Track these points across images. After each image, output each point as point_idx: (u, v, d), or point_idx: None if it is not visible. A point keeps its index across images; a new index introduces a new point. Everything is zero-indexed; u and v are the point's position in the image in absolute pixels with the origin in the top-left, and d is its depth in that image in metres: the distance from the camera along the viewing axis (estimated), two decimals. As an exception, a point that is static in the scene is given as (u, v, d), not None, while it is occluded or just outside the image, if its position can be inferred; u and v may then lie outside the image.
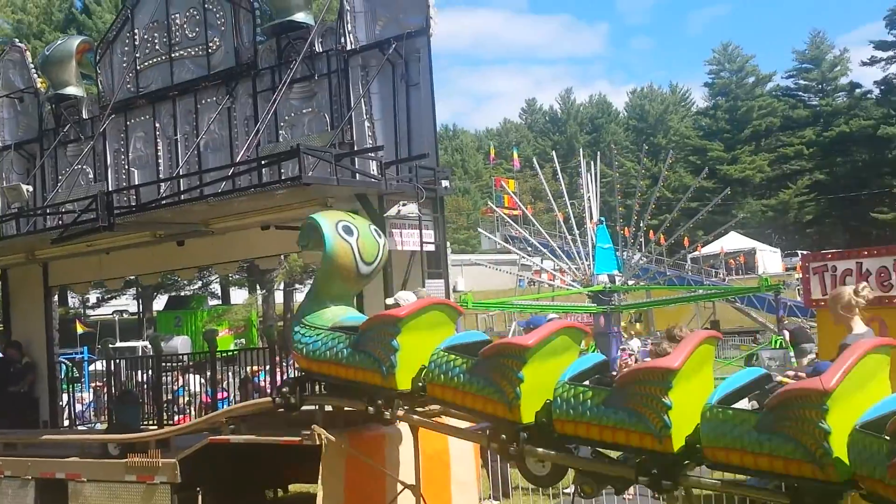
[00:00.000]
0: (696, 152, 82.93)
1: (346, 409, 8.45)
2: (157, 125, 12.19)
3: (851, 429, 5.05)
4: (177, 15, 11.82)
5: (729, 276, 52.36)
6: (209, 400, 11.89)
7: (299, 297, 39.39)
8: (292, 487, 11.33)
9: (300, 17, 10.80)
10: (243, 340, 36.18)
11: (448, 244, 10.52)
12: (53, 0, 51.40)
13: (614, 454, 6.40)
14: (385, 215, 9.44)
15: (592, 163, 41.72)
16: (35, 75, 13.76)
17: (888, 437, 4.80)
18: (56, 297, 13.84)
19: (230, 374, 11.91)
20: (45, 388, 13.15)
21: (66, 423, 13.74)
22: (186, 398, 12.76)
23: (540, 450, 6.68)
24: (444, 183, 10.21)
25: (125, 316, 52.18)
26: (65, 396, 14.10)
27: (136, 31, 12.24)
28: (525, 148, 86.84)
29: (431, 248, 9.85)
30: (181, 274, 18.54)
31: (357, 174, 9.63)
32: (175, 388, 12.80)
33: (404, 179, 9.66)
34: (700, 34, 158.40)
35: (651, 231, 42.68)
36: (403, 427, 8.24)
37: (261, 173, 10.55)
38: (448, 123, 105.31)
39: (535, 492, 10.81)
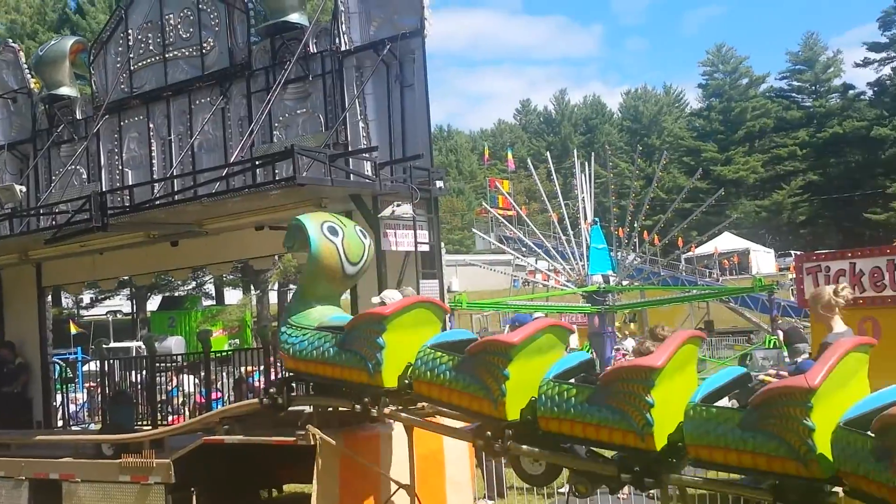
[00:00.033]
0: (690, 153, 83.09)
1: (340, 409, 8.45)
2: (151, 125, 12.18)
3: (835, 426, 5.10)
4: (171, 15, 11.81)
5: (723, 276, 52.44)
6: (203, 400, 11.87)
7: (293, 297, 39.23)
8: (287, 487, 11.33)
9: (294, 17, 10.80)
10: (237, 341, 36.16)
11: (442, 245, 10.53)
12: (47, 0, 51.29)
13: (609, 453, 6.42)
14: (379, 216, 9.45)
15: (587, 163, 41.73)
16: (28, 75, 13.73)
17: (873, 435, 4.85)
18: (49, 298, 13.80)
19: (224, 374, 11.88)
20: (39, 388, 13.13)
21: (60, 423, 13.73)
22: (181, 399, 12.74)
23: (525, 447, 6.74)
24: (439, 183, 10.22)
25: (119, 316, 52.08)
26: (58, 397, 14.07)
27: (129, 31, 12.22)
28: (519, 148, 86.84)
29: (426, 248, 9.86)
30: (175, 274, 18.44)
31: (351, 175, 9.64)
32: (169, 388, 12.78)
33: (399, 180, 9.67)
34: (694, 35, 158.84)
35: (645, 231, 42.77)
36: (398, 427, 8.25)
37: (255, 174, 10.55)
38: (442, 124, 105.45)
39: (530, 491, 10.82)
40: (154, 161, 12.13)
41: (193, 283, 48.61)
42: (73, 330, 34.75)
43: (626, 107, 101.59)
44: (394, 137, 10.12)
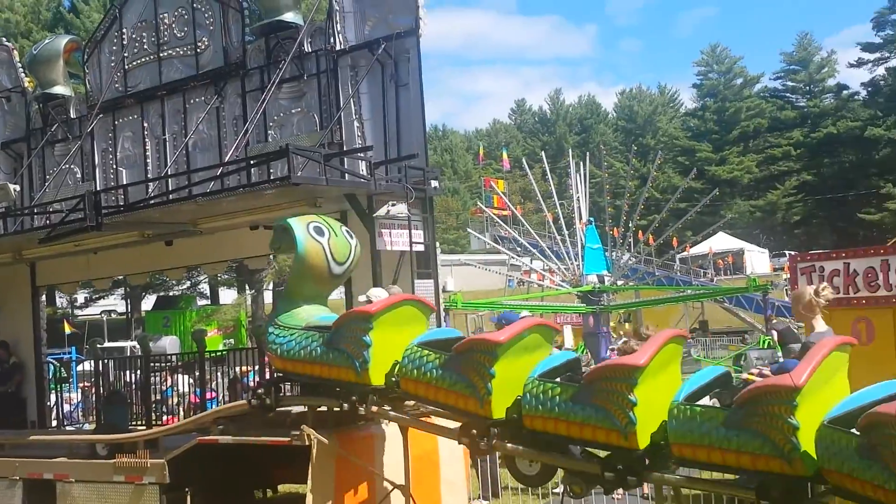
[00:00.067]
0: (685, 153, 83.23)
1: (334, 409, 8.45)
2: (146, 125, 12.15)
3: (820, 424, 5.15)
4: (165, 14, 11.79)
5: (717, 276, 52.55)
6: (198, 400, 11.85)
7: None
8: (281, 488, 11.31)
9: (289, 16, 10.79)
10: (232, 341, 36.06)
11: (437, 244, 10.53)
12: (41, -1, 51.19)
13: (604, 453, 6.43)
14: (374, 215, 9.45)
15: (581, 163, 41.79)
16: (22, 74, 13.69)
17: (858, 433, 4.89)
18: (44, 297, 13.78)
19: (219, 374, 11.86)
20: (33, 388, 13.10)
21: (54, 423, 13.67)
22: (176, 399, 12.71)
23: (509, 445, 6.78)
24: (434, 183, 10.22)
25: (113, 316, 51.96)
26: (53, 397, 14.02)
27: (124, 30, 12.20)
28: (514, 148, 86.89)
29: (421, 248, 9.86)
30: (169, 274, 18.46)
31: (346, 174, 9.63)
32: (164, 388, 12.74)
33: (393, 180, 9.66)
34: (688, 36, 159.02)
35: (640, 231, 42.81)
36: (393, 427, 8.25)
37: (249, 173, 10.54)
38: (437, 124, 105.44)
39: (525, 492, 10.83)
40: (148, 160, 12.12)
41: (188, 283, 48.49)
42: (68, 329, 34.63)
43: (620, 107, 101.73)
44: (389, 137, 10.12)
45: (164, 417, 11.90)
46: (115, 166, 12.46)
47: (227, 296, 50.98)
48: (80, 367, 24.08)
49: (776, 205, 77.57)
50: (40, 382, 13.18)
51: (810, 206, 77.20)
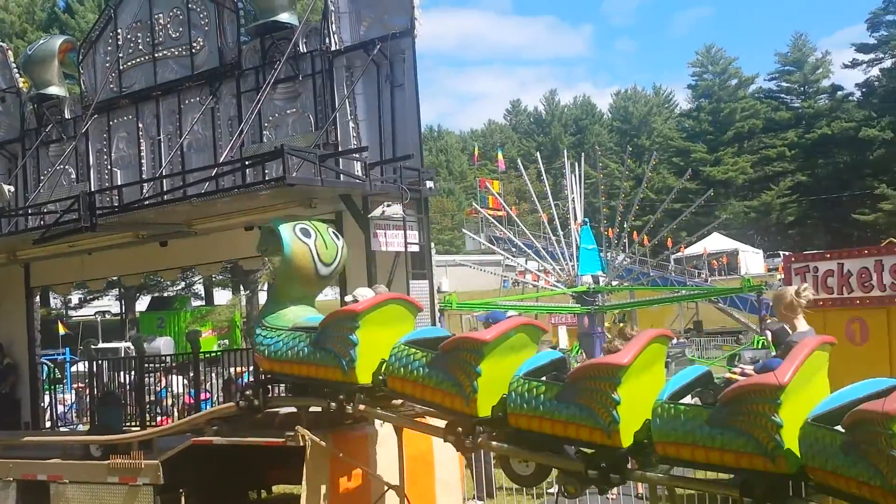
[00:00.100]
0: (680, 154, 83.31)
1: (322, 409, 8.46)
2: (140, 125, 12.14)
3: (803, 422, 5.20)
4: (160, 15, 11.78)
5: (712, 276, 52.57)
6: (192, 401, 11.84)
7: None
8: (276, 488, 11.30)
9: (284, 17, 10.79)
10: (227, 341, 36.05)
11: (432, 245, 10.54)
12: (36, -1, 51.08)
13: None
14: (369, 216, 9.45)
15: (577, 164, 41.82)
16: (17, 75, 13.67)
17: (843, 430, 4.94)
18: (38, 298, 13.74)
19: (213, 375, 11.85)
20: (27, 389, 13.07)
21: (48, 424, 13.66)
22: (170, 400, 12.70)
23: (494, 443, 6.84)
24: (429, 184, 10.23)
25: (108, 317, 51.84)
26: (47, 398, 14.00)
27: (119, 30, 12.18)
28: (509, 149, 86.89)
29: (416, 248, 9.86)
30: (164, 275, 18.36)
31: (341, 175, 9.63)
32: (158, 389, 12.74)
33: (389, 180, 9.67)
34: (683, 36, 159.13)
35: (635, 232, 42.86)
36: (387, 428, 8.25)
37: (244, 174, 10.52)
38: (433, 124, 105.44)
39: (519, 492, 10.84)
40: (143, 161, 12.10)
41: (183, 284, 48.40)
42: (62, 330, 34.55)
43: (615, 107, 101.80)
44: (384, 137, 10.12)
45: (158, 418, 11.89)
46: (109, 167, 12.45)
47: (222, 297, 50.93)
48: (74, 368, 24.01)
49: (771, 205, 77.69)
50: (34, 383, 13.16)
51: (805, 207, 77.33)
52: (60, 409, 15.64)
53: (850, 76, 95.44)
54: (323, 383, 7.76)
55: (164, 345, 28.32)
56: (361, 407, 7.65)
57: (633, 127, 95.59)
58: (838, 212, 73.96)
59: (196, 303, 48.52)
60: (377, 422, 8.47)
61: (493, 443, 6.86)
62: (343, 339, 7.53)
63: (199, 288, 50.49)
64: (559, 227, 37.45)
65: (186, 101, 11.71)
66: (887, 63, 76.21)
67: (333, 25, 10.49)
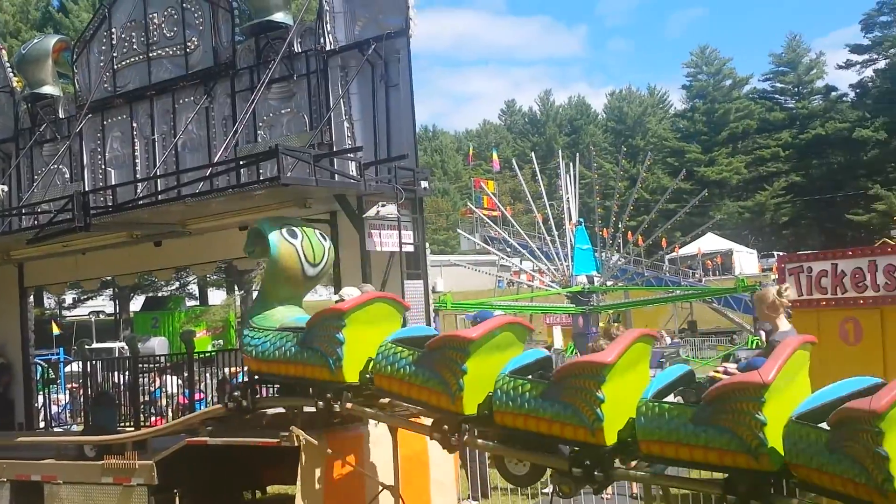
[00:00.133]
0: (674, 154, 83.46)
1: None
2: (135, 125, 12.11)
3: (787, 420, 5.25)
4: (154, 14, 11.75)
5: (706, 276, 52.71)
6: (186, 401, 11.81)
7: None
8: (270, 489, 11.29)
9: (279, 16, 10.78)
10: (221, 341, 35.97)
11: (427, 245, 10.54)
12: (30, -2, 50.93)
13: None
14: (364, 216, 9.44)
15: (571, 164, 41.90)
16: (11, 74, 13.63)
17: (829, 428, 4.99)
18: (32, 298, 13.71)
19: (208, 375, 11.83)
20: (21, 389, 13.04)
21: (42, 424, 13.62)
22: (165, 400, 12.68)
23: (480, 441, 6.90)
24: (424, 184, 10.22)
25: (102, 317, 51.72)
26: (40, 398, 13.96)
27: (113, 30, 12.16)
28: (504, 149, 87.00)
29: (410, 248, 9.86)
30: (158, 275, 18.40)
31: (336, 175, 9.62)
32: (152, 389, 12.71)
33: (383, 180, 9.66)
34: (678, 37, 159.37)
35: (629, 232, 42.96)
36: (382, 428, 8.25)
37: (239, 174, 10.51)
38: (427, 124, 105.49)
39: (514, 492, 10.84)
40: (137, 161, 12.07)
41: (177, 284, 48.34)
42: (56, 331, 34.49)
43: (610, 108, 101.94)
44: (379, 137, 10.11)
45: (152, 419, 11.86)
46: (103, 166, 12.42)
47: (216, 297, 50.83)
48: (68, 369, 23.97)
49: (765, 206, 77.87)
50: (28, 384, 13.12)
51: (799, 207, 77.51)
52: (54, 409, 15.61)
53: (844, 77, 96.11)
54: (310, 383, 7.79)
55: (158, 345, 28.22)
56: (349, 405, 7.68)
57: (628, 127, 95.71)
58: (832, 212, 74.15)
59: (190, 303, 48.43)
60: (372, 422, 8.47)
61: (479, 440, 6.92)
62: (330, 338, 7.57)
63: (194, 288, 50.41)
64: (554, 227, 37.53)
65: (181, 101, 11.69)
66: (881, 64, 76.49)
67: (328, 25, 10.48)
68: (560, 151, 47.43)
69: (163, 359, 14.38)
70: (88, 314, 50.16)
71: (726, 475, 5.69)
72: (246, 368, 8.94)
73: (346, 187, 9.46)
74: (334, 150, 10.15)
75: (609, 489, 9.53)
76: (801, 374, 5.87)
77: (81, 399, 13.94)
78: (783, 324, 6.69)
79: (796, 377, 5.76)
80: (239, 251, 11.31)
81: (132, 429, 10.83)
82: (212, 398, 11.69)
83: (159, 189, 10.74)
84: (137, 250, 11.33)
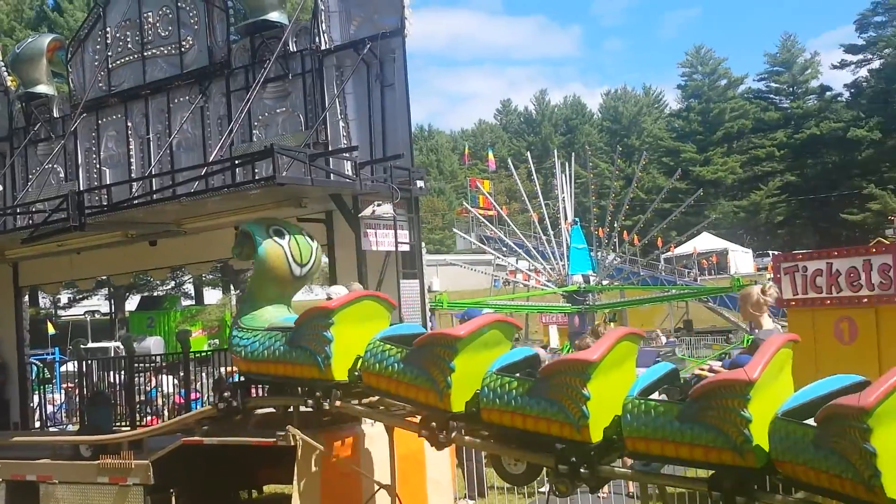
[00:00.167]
0: (669, 154, 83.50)
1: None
2: (129, 124, 12.09)
3: (773, 417, 5.30)
4: (149, 13, 11.73)
5: (701, 276, 52.74)
6: (182, 401, 11.79)
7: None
8: (267, 488, 11.28)
9: (274, 16, 10.76)
10: (217, 341, 35.92)
11: (423, 244, 10.53)
12: (24, -3, 50.84)
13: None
14: (360, 215, 9.44)
15: (567, 164, 41.92)
16: (5, 73, 13.59)
17: (816, 424, 5.04)
18: (27, 298, 13.68)
19: (204, 374, 11.81)
20: (16, 389, 13.01)
21: (38, 424, 13.59)
22: (161, 400, 12.66)
23: (467, 438, 6.95)
24: (419, 183, 10.22)
25: (97, 316, 51.61)
26: (36, 398, 13.93)
27: (108, 29, 12.13)
28: (500, 148, 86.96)
29: (406, 248, 9.86)
30: (154, 274, 18.35)
31: (331, 174, 9.62)
32: (148, 389, 12.69)
33: (379, 180, 9.66)
34: (673, 37, 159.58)
35: (625, 231, 42.96)
36: (378, 427, 8.25)
37: (234, 173, 10.48)
38: (423, 124, 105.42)
39: (511, 491, 10.84)
40: (132, 160, 12.05)
41: (172, 283, 48.31)
42: (51, 330, 34.41)
43: (605, 107, 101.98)
44: (374, 137, 10.11)
45: (147, 418, 11.85)
46: (98, 166, 12.39)
47: (212, 296, 50.80)
48: (63, 368, 23.92)
49: (760, 205, 77.96)
50: (23, 383, 13.10)
51: (794, 207, 77.62)
52: (50, 409, 15.57)
53: (839, 77, 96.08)
54: (300, 381, 7.84)
55: (153, 344, 28.24)
56: (338, 403, 7.70)
57: (623, 127, 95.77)
58: (827, 212, 74.29)
59: (186, 302, 48.41)
60: (368, 421, 8.48)
61: (467, 437, 6.97)
62: (318, 337, 7.61)
63: (189, 287, 50.39)
64: (549, 226, 37.53)
65: (176, 100, 11.67)
66: (876, 64, 76.62)
67: (323, 24, 10.47)
68: (556, 151, 47.39)
69: (158, 358, 14.37)
70: (84, 314, 50.02)
71: (712, 472, 5.74)
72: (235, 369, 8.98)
73: (341, 187, 9.46)
74: (330, 149, 10.14)
75: (605, 488, 9.54)
76: (784, 372, 5.94)
77: (77, 399, 13.92)
78: (767, 322, 6.77)
79: (780, 375, 5.83)
80: (234, 250, 11.36)
81: (128, 428, 10.81)
82: (208, 398, 11.67)
83: (154, 188, 10.72)
84: (133, 250, 11.31)
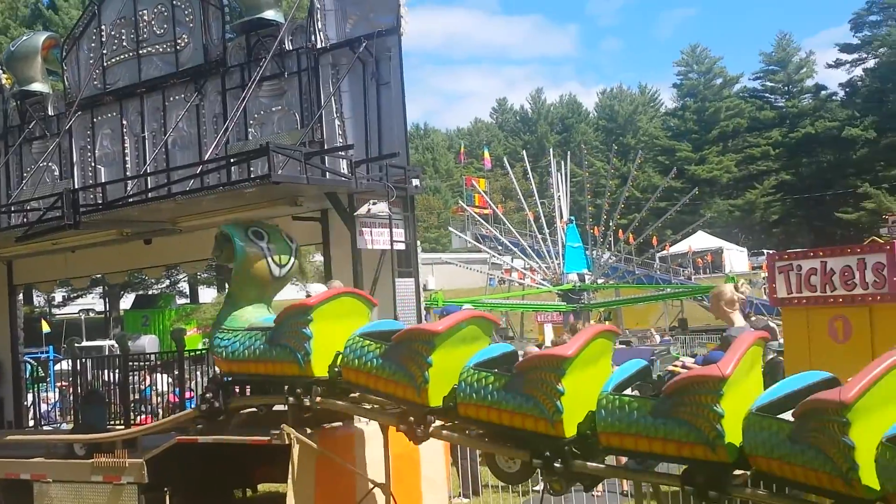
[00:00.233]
0: (665, 152, 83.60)
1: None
2: (125, 122, 12.06)
3: (747, 413, 5.35)
4: (144, 11, 11.70)
5: (696, 274, 52.85)
6: (177, 399, 11.78)
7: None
8: (261, 487, 11.28)
9: (270, 14, 10.75)
10: (212, 339, 35.86)
11: (418, 243, 10.54)
12: (19, -5, 50.68)
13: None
14: (355, 214, 9.44)
15: (563, 162, 41.96)
16: (0, 71, 13.55)
17: (793, 419, 5.10)
18: (21, 296, 13.65)
19: (198, 373, 11.80)
20: (10, 388, 12.99)
21: (32, 423, 13.56)
22: (155, 398, 12.64)
23: (444, 432, 7.04)
24: (415, 182, 10.21)
25: (91, 315, 51.54)
26: (30, 396, 13.91)
27: (103, 27, 12.10)
28: (496, 147, 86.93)
29: (402, 246, 9.86)
30: (148, 272, 18.40)
31: (327, 173, 9.61)
32: (142, 387, 12.67)
33: (375, 178, 9.65)
34: (669, 36, 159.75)
35: (620, 230, 43.06)
36: (373, 426, 8.25)
37: (230, 171, 10.48)
38: (419, 122, 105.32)
39: (505, 489, 10.85)
40: (127, 158, 12.02)
41: (167, 282, 48.25)
42: (45, 328, 34.33)
43: (601, 106, 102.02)
44: (370, 135, 10.09)
45: (140, 417, 11.83)
46: (93, 164, 12.36)
47: (207, 294, 50.71)
48: (57, 367, 23.86)
49: (755, 204, 78.09)
50: (17, 382, 13.07)
51: (788, 206, 77.77)
52: (44, 407, 15.53)
53: (834, 76, 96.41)
54: (281, 379, 7.89)
55: (148, 343, 28.11)
56: (318, 399, 7.74)
57: (619, 126, 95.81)
58: (822, 210, 74.44)
59: (181, 301, 48.32)
60: (363, 420, 8.47)
61: (444, 432, 7.04)
62: (297, 334, 7.66)
63: (184, 286, 50.34)
64: (545, 225, 37.59)
65: (171, 99, 11.64)
66: (870, 63, 76.81)
67: (319, 23, 10.46)
68: (551, 150, 47.44)
69: (153, 357, 14.35)
70: (78, 312, 50.00)
71: (685, 467, 5.79)
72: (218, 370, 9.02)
73: (337, 185, 9.45)
74: (325, 147, 10.13)
75: (599, 487, 9.56)
76: (755, 369, 6.01)
77: (71, 397, 13.90)
78: (738, 319, 6.84)
79: (750, 372, 5.89)
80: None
81: (122, 427, 10.79)
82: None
83: (149, 187, 10.70)
84: (127, 248, 11.29)
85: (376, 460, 8.20)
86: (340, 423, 8.67)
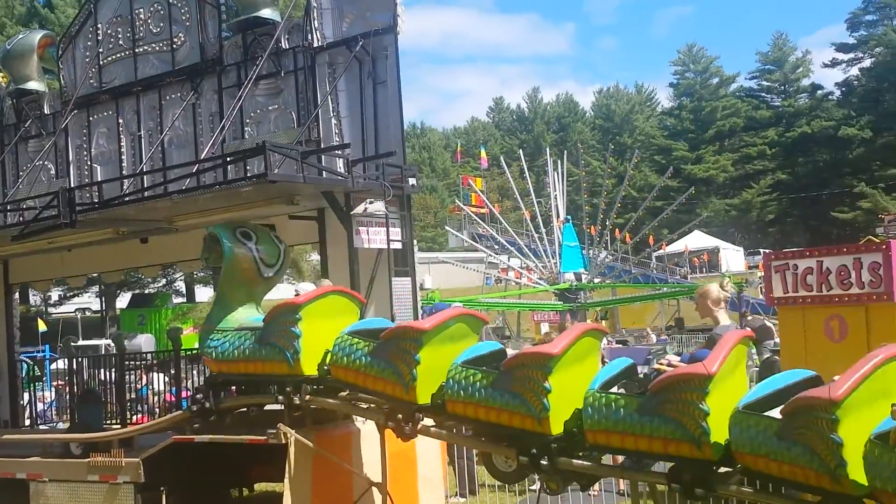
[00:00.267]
0: (661, 152, 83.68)
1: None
2: (121, 121, 12.04)
3: (734, 410, 5.36)
4: (141, 10, 11.69)
5: (693, 274, 52.92)
6: (173, 399, 11.76)
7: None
8: (258, 486, 11.27)
9: (266, 13, 10.74)
10: (208, 339, 35.84)
11: (415, 242, 10.53)
12: (14, -7, 50.57)
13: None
14: (352, 213, 9.43)
15: (559, 161, 42.00)
16: (-5, 70, 13.52)
17: (782, 416, 5.11)
18: (17, 295, 13.62)
19: (195, 372, 11.79)
20: (6, 387, 12.96)
21: (28, 422, 13.54)
22: (152, 398, 12.63)
23: (433, 429, 7.06)
24: (412, 181, 10.20)
25: (88, 314, 51.46)
26: (26, 395, 13.88)
27: (99, 25, 12.08)
28: (492, 146, 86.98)
29: (398, 245, 9.86)
30: (145, 271, 18.38)
31: (323, 172, 9.60)
32: (139, 386, 12.65)
33: (371, 177, 9.65)
34: (665, 35, 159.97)
35: (617, 229, 43.07)
36: (370, 425, 8.25)
37: (226, 170, 10.46)
38: (415, 121, 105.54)
39: (502, 489, 10.86)
40: (123, 157, 12.01)
41: (164, 281, 48.18)
42: (42, 327, 34.30)
43: (598, 105, 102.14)
44: (366, 134, 10.09)
45: (136, 416, 11.82)
46: (89, 163, 12.34)
47: (203, 293, 50.65)
48: (53, 366, 23.85)
49: (751, 203, 78.21)
50: (13, 381, 13.05)
51: (785, 205, 77.90)
52: (40, 406, 15.50)
53: (830, 75, 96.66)
54: (270, 378, 7.91)
55: (144, 342, 28.08)
56: (308, 398, 7.76)
57: (616, 125, 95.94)
58: (818, 210, 74.58)
59: (177, 300, 48.31)
60: (360, 419, 8.47)
61: (432, 429, 7.07)
62: (286, 332, 7.68)
63: (181, 285, 50.27)
64: (542, 224, 37.63)
65: (167, 97, 11.63)
66: (867, 63, 76.96)
67: (316, 22, 10.45)
68: (548, 149, 47.54)
69: (149, 356, 14.33)
70: (74, 311, 49.85)
71: (671, 464, 5.80)
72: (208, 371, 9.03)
73: (333, 184, 9.45)
74: (322, 146, 10.13)
75: (596, 486, 9.56)
76: (739, 367, 6.03)
77: (67, 396, 13.87)
78: (723, 318, 6.91)
79: (735, 370, 5.92)
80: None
81: (118, 426, 10.77)
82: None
83: (146, 185, 10.70)
84: (124, 247, 11.27)
85: (373, 459, 8.20)
86: (337, 423, 8.67)
